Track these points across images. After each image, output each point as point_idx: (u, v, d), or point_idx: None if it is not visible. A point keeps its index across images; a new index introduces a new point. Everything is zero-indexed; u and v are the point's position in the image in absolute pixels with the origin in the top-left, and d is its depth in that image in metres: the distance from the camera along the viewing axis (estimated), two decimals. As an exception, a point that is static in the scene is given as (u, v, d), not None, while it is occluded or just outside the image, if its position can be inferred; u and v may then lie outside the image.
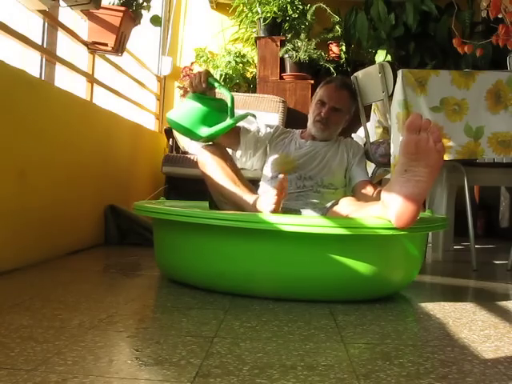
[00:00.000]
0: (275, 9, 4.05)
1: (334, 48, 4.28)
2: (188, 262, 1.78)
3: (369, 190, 2.09)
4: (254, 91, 4.19)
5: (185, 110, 1.95)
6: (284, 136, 2.26)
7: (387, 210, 1.53)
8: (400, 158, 1.54)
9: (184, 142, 3.87)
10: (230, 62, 4.21)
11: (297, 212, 2.03)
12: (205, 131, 1.90)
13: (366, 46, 4.17)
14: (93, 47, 2.81)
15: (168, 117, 1.98)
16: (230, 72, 4.19)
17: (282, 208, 1.87)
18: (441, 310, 1.59)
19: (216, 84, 1.94)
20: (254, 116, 2.04)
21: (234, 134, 2.15)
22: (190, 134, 1.95)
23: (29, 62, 2.52)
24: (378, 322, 1.44)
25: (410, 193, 1.48)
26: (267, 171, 2.20)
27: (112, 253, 2.66)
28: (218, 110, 1.93)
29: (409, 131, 1.50)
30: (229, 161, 2.02)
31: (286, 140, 2.24)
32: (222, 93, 2.01)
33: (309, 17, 4.17)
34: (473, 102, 2.33)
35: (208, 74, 1.95)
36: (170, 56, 4.45)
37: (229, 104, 1.93)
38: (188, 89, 2.05)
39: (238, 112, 2.01)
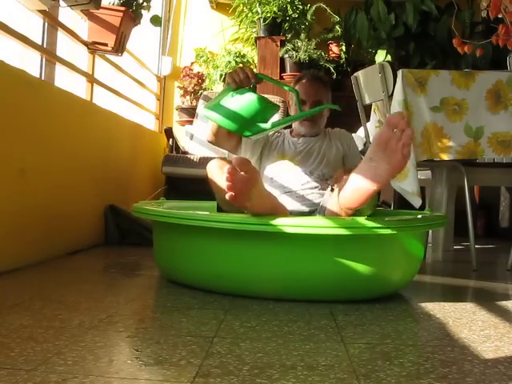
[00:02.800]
0: (275, 9, 4.05)
1: (334, 48, 4.28)
2: (187, 264, 1.78)
3: None
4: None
5: (242, 101, 1.82)
6: (277, 136, 2.29)
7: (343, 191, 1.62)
8: (371, 146, 1.58)
9: (184, 142, 3.87)
10: (229, 62, 4.21)
11: (305, 214, 2.04)
12: (267, 124, 1.80)
13: (365, 46, 4.16)
14: (93, 47, 2.81)
15: (215, 108, 1.82)
16: (230, 72, 4.19)
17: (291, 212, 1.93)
18: (441, 310, 1.59)
19: (267, 79, 1.97)
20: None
21: (236, 137, 2.15)
22: (248, 125, 1.79)
23: (29, 62, 2.52)
24: (377, 322, 1.44)
25: (367, 179, 1.53)
26: (267, 172, 2.20)
27: (112, 253, 2.66)
28: (267, 103, 1.87)
29: (387, 126, 1.53)
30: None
31: (279, 140, 2.27)
32: (281, 87, 2.08)
33: (309, 17, 4.17)
34: (473, 102, 2.33)
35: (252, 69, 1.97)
36: (170, 56, 4.45)
37: (294, 97, 1.98)
38: (227, 84, 1.94)
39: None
